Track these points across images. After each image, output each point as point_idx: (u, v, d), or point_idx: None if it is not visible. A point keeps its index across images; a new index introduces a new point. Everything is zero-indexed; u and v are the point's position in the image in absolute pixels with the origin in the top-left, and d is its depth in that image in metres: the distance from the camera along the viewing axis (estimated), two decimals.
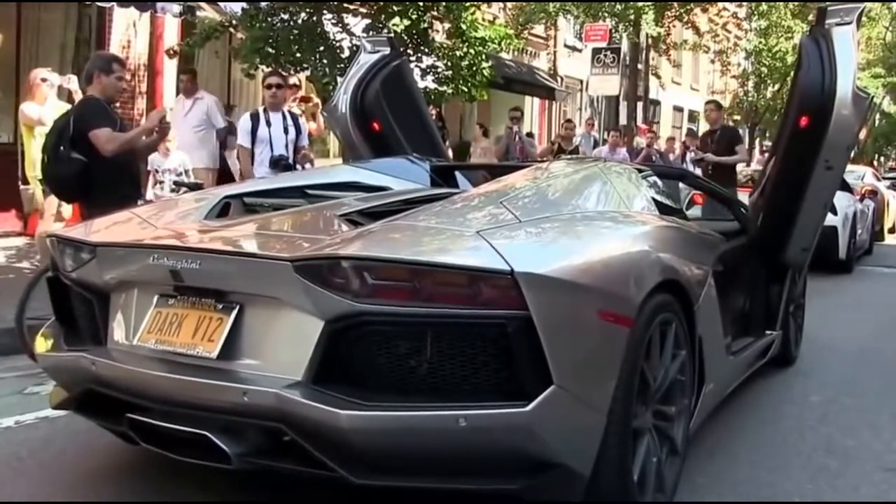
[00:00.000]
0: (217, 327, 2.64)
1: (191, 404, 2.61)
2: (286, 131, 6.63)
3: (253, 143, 6.70)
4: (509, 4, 18.72)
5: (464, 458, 2.46)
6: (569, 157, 9.22)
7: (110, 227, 3.30)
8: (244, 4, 9.93)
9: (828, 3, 4.63)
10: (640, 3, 17.19)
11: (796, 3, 23.31)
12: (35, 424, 3.89)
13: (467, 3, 10.26)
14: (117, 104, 7.71)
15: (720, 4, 21.60)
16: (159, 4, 10.62)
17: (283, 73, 7.51)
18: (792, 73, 6.30)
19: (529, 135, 14.50)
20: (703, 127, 31.66)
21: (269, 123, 6.62)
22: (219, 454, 2.52)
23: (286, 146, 6.65)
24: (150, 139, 5.51)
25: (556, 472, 2.51)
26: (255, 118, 6.76)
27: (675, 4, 18.80)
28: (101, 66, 5.24)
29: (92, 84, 5.28)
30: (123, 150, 5.05)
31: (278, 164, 6.47)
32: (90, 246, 2.99)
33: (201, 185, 6.20)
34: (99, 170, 5.00)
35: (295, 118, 6.80)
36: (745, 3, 24.36)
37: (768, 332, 4.67)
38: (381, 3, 9.86)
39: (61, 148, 5.01)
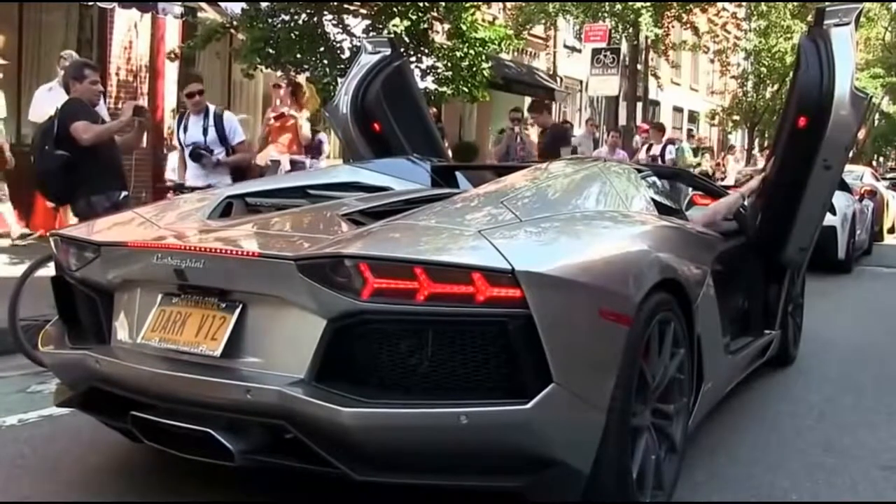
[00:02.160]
0: (220, 326, 2.67)
1: (194, 402, 2.63)
2: (205, 132, 6.54)
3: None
4: (509, 5, 18.74)
5: (464, 456, 2.49)
6: (568, 157, 9.24)
7: (114, 227, 3.33)
8: (244, 5, 9.96)
9: (826, 3, 4.65)
10: (639, 4, 17.19)
11: (796, 4, 23.34)
12: (38, 422, 3.91)
13: (467, 4, 10.28)
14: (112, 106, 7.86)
15: (719, 5, 21.61)
16: (160, 6, 10.64)
17: (200, 81, 7.35)
18: (791, 74, 6.35)
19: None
20: (703, 127, 31.76)
21: (185, 129, 6.64)
22: (222, 451, 2.54)
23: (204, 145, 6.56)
24: (129, 134, 5.71)
25: (556, 470, 2.53)
26: (178, 122, 6.84)
27: (675, 4, 18.81)
28: (73, 74, 5.60)
29: (71, 93, 5.62)
30: (100, 139, 5.28)
31: (199, 158, 6.45)
32: (94, 245, 3.02)
33: (183, 186, 6.16)
34: (83, 165, 5.23)
35: (218, 119, 6.62)
36: (744, 4, 24.38)
37: (767, 331, 4.69)
38: (382, 4, 9.88)
39: (45, 147, 5.27)
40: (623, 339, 2.71)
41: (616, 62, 18.44)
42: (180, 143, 6.82)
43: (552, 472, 2.53)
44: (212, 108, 6.70)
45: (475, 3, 10.81)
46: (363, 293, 2.43)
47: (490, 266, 2.42)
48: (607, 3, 18.20)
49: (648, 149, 13.50)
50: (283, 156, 8.63)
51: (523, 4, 18.69)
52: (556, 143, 9.99)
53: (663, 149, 13.31)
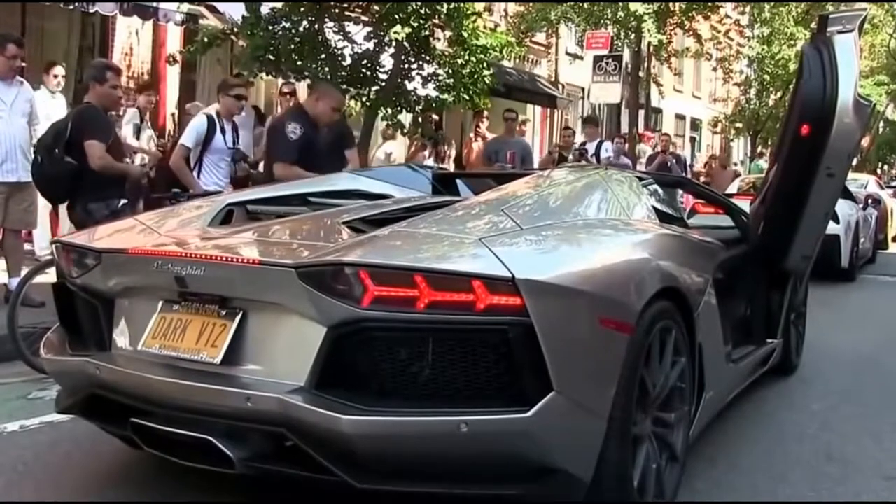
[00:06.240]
0: (221, 333, 2.67)
1: (194, 409, 2.63)
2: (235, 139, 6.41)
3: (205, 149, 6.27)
4: (510, 12, 18.75)
5: (465, 464, 2.48)
6: (570, 164, 9.20)
7: (115, 234, 3.33)
8: (244, 12, 9.95)
9: (829, 9, 4.64)
10: (641, 11, 17.20)
11: (799, 11, 23.34)
12: (40, 429, 3.91)
13: (468, 11, 10.26)
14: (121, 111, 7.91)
15: (722, 12, 21.61)
16: (161, 12, 10.67)
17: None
18: (794, 81, 6.31)
19: None
20: (705, 135, 31.71)
21: (223, 130, 6.33)
22: (222, 459, 2.54)
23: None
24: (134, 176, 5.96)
25: (557, 478, 2.53)
26: (211, 123, 6.30)
27: (677, 9, 18.81)
28: (95, 75, 5.52)
29: (88, 93, 5.56)
30: (108, 171, 5.31)
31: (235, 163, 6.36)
32: (95, 252, 3.02)
33: (187, 191, 6.01)
34: (87, 174, 5.25)
35: (236, 124, 6.51)
36: (746, 10, 24.37)
37: (769, 340, 4.67)
38: (383, 11, 9.88)
39: (56, 150, 5.25)
40: (624, 347, 2.70)
41: (618, 69, 18.43)
42: (207, 148, 6.28)
43: (553, 480, 2.52)
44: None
45: (476, 11, 10.77)
46: (363, 301, 2.43)
47: (490, 274, 2.42)
48: (609, 10, 18.20)
49: (581, 146, 12.01)
50: None
51: (525, 12, 18.70)
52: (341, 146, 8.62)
53: (598, 146, 11.95)
